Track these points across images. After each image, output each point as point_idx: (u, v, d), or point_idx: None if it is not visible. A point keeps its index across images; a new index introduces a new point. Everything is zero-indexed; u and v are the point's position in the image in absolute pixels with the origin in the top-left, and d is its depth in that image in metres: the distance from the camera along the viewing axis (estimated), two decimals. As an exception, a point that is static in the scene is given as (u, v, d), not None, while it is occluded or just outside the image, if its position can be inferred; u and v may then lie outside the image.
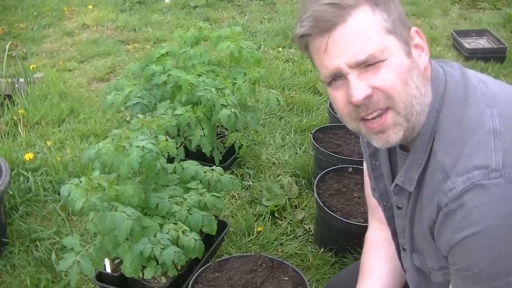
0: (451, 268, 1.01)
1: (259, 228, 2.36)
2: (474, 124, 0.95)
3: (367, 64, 0.94)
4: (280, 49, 4.43)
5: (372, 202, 1.36)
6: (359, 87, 0.94)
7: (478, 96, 0.98)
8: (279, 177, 2.70)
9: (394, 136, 0.99)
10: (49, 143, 3.01)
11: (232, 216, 2.45)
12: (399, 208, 1.14)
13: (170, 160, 2.05)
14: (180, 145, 2.55)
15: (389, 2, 0.96)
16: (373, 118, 0.97)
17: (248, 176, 2.76)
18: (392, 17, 0.95)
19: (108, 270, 1.95)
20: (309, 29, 0.95)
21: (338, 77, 0.98)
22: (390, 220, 1.21)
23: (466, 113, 0.97)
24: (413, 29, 1.00)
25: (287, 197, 2.54)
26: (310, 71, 3.90)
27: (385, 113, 0.97)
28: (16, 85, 3.76)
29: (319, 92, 3.63)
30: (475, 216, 0.90)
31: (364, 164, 1.33)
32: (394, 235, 1.23)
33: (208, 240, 2.02)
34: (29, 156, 2.76)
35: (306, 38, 0.97)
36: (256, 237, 2.32)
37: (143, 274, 1.80)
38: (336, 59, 0.95)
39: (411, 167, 1.04)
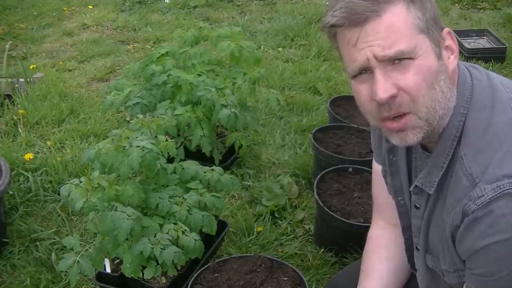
0: (468, 272, 1.01)
1: (259, 228, 2.36)
2: (503, 131, 0.95)
3: (395, 61, 0.92)
4: (280, 49, 4.42)
5: (380, 201, 1.35)
6: (384, 85, 0.93)
7: (505, 102, 0.98)
8: (279, 177, 2.70)
9: (412, 137, 0.98)
10: (49, 143, 3.01)
11: (232, 216, 2.45)
12: (416, 208, 1.14)
13: (170, 160, 2.05)
14: (180, 145, 2.55)
15: (425, 0, 0.95)
16: (394, 118, 0.96)
17: (248, 176, 2.76)
18: (427, 16, 0.94)
19: (108, 270, 1.95)
20: (340, 20, 0.93)
21: (364, 71, 0.96)
22: (403, 216, 1.21)
23: (493, 120, 0.96)
24: (446, 30, 0.98)
25: (287, 197, 2.54)
26: (310, 71, 3.90)
27: (405, 116, 0.96)
28: (16, 85, 3.75)
29: (319, 92, 3.63)
30: (502, 224, 0.90)
31: (374, 163, 1.33)
32: (405, 230, 1.23)
33: (208, 240, 2.02)
34: (29, 156, 2.76)
35: (336, 28, 0.96)
36: (256, 237, 2.32)
37: (143, 274, 1.80)
38: (363, 51, 0.93)
39: (432, 170, 1.04)
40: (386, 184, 1.25)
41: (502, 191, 0.90)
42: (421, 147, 1.09)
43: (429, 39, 0.94)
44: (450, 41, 0.99)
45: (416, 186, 1.09)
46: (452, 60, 0.99)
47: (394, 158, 1.18)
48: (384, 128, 1.00)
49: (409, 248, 1.26)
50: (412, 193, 1.13)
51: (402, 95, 0.94)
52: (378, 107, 0.96)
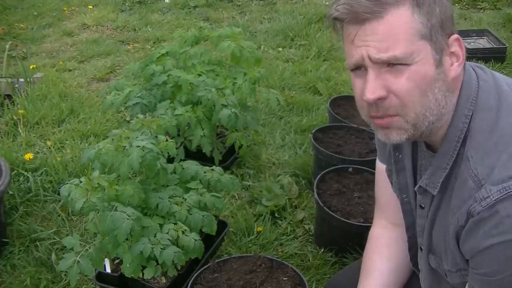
0: (472, 271, 1.01)
1: (259, 228, 2.36)
2: (509, 132, 0.95)
3: (390, 64, 0.92)
4: (280, 49, 4.42)
5: (383, 200, 1.36)
6: (373, 86, 0.94)
7: (511, 103, 0.98)
8: (279, 177, 2.70)
9: (396, 136, 0.99)
10: (49, 143, 3.01)
11: (232, 216, 2.45)
12: (421, 207, 1.14)
13: (170, 160, 2.05)
14: (180, 145, 2.55)
15: (434, 5, 0.93)
16: (381, 116, 0.98)
17: (248, 176, 2.76)
18: (432, 21, 0.93)
19: (108, 270, 1.95)
20: (342, 15, 0.94)
21: (360, 67, 0.97)
22: (407, 214, 1.22)
23: (499, 121, 0.96)
24: (454, 36, 0.97)
25: (287, 197, 2.54)
26: (310, 71, 3.90)
27: (392, 117, 0.97)
28: (16, 85, 3.75)
29: (319, 92, 3.63)
30: (507, 225, 0.90)
31: (377, 162, 1.33)
32: (408, 228, 1.24)
33: (208, 240, 2.02)
34: (29, 156, 2.76)
35: (338, 22, 0.97)
36: (256, 237, 2.32)
37: (143, 274, 1.80)
38: (359, 49, 0.94)
39: (436, 170, 1.04)
40: (391, 184, 1.25)
41: (508, 192, 0.90)
42: (426, 146, 1.10)
43: (431, 46, 0.93)
44: (457, 48, 0.97)
45: (420, 186, 1.09)
46: (455, 67, 0.98)
47: (400, 156, 1.18)
48: (372, 124, 1.02)
49: (412, 247, 1.26)
50: (417, 193, 1.13)
51: (392, 98, 0.94)
52: (367, 106, 0.98)
